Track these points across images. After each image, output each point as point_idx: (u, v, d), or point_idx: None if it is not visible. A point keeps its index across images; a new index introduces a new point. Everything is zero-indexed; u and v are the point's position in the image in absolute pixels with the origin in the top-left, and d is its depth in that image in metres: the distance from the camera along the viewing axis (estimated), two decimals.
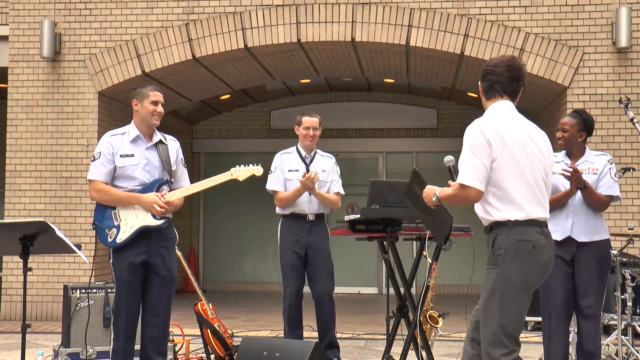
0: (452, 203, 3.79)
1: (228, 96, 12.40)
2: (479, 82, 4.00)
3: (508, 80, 3.91)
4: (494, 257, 3.73)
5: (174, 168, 5.00)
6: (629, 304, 6.32)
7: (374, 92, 13.56)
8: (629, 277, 6.41)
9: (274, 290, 12.92)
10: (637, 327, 6.36)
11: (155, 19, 9.35)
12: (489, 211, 3.74)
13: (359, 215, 5.33)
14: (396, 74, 10.88)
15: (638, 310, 6.91)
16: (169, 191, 4.94)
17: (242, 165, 5.05)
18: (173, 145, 5.06)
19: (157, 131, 5.03)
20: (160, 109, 4.97)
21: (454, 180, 3.92)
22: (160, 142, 5.00)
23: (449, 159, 4.08)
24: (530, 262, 3.68)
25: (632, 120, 4.32)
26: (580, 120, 5.08)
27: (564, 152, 5.15)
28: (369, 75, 11.26)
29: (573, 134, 5.04)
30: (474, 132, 3.74)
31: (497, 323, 3.64)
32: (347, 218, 5.43)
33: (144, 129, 4.96)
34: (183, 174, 5.09)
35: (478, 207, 3.82)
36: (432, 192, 3.88)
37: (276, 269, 13.96)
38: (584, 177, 4.88)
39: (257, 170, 5.05)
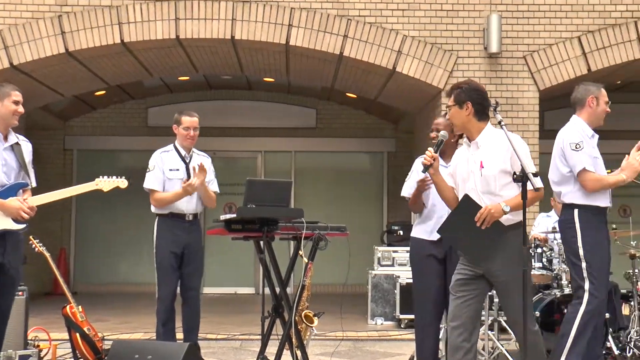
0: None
1: (103, 92, 12.06)
2: (468, 102, 4.43)
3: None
4: (525, 251, 4.23)
5: (29, 169, 5.00)
6: (496, 300, 6.57)
7: (253, 90, 13.52)
8: None
9: (147, 291, 12.55)
10: (503, 322, 6.61)
11: (25, 9, 8.95)
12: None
13: (235, 215, 5.29)
14: (276, 72, 10.88)
15: None
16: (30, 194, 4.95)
17: (106, 177, 5.25)
18: (27, 147, 5.07)
19: (11, 131, 4.99)
20: (21, 109, 4.95)
21: (436, 152, 4.53)
22: (16, 143, 4.98)
23: (443, 134, 4.66)
24: None
25: (500, 123, 4.46)
26: None
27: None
28: (248, 73, 11.22)
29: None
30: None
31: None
32: (222, 217, 5.38)
33: (1, 128, 4.92)
34: (32, 175, 5.09)
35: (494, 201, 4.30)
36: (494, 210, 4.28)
37: (151, 270, 13.71)
38: None
39: (122, 182, 5.31)
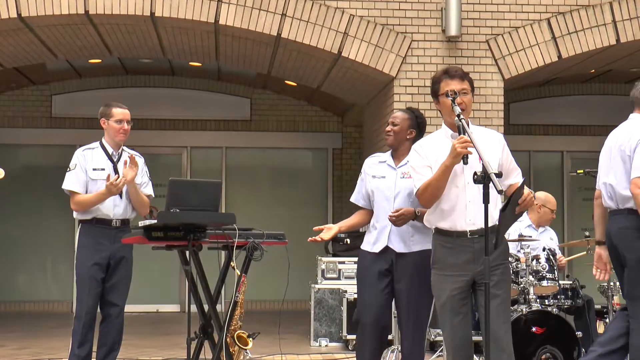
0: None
1: None
2: (473, 92, 4.75)
3: None
4: (505, 253, 4.71)
5: None
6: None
7: (177, 76, 13.45)
8: None
9: (54, 311, 12.49)
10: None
11: None
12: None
13: (156, 221, 5.27)
14: (204, 56, 10.84)
15: None
16: None
17: None
18: None
19: None
20: None
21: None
22: None
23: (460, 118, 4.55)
24: None
25: (458, 116, 4.55)
26: (412, 116, 5.37)
27: (389, 152, 5.38)
28: (171, 57, 11.15)
29: (403, 129, 5.30)
30: None
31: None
32: (141, 223, 5.36)
33: None
34: None
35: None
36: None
37: (58, 285, 13.56)
38: (407, 180, 5.10)
39: None
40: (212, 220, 5.40)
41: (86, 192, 6.10)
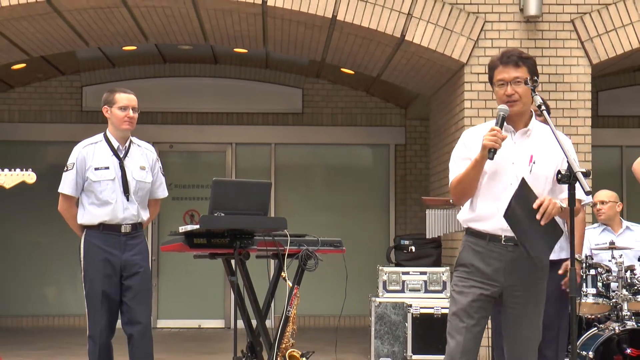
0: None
1: (23, 65, 12.06)
2: (535, 77, 4.55)
3: None
4: (543, 270, 4.58)
5: None
6: None
7: (221, 65, 13.54)
8: None
9: (83, 325, 12.64)
10: None
11: None
12: None
13: (198, 226, 5.31)
14: (250, 41, 10.90)
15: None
16: None
17: (7, 170, 5.31)
18: None
19: None
20: None
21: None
22: None
23: (504, 107, 4.50)
24: None
25: (540, 106, 4.50)
26: None
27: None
28: (214, 43, 11.23)
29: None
30: None
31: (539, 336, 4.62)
32: (182, 229, 5.40)
33: None
34: None
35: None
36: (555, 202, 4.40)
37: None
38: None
39: (29, 177, 5.39)
40: (260, 226, 5.42)
41: (82, 194, 6.00)
